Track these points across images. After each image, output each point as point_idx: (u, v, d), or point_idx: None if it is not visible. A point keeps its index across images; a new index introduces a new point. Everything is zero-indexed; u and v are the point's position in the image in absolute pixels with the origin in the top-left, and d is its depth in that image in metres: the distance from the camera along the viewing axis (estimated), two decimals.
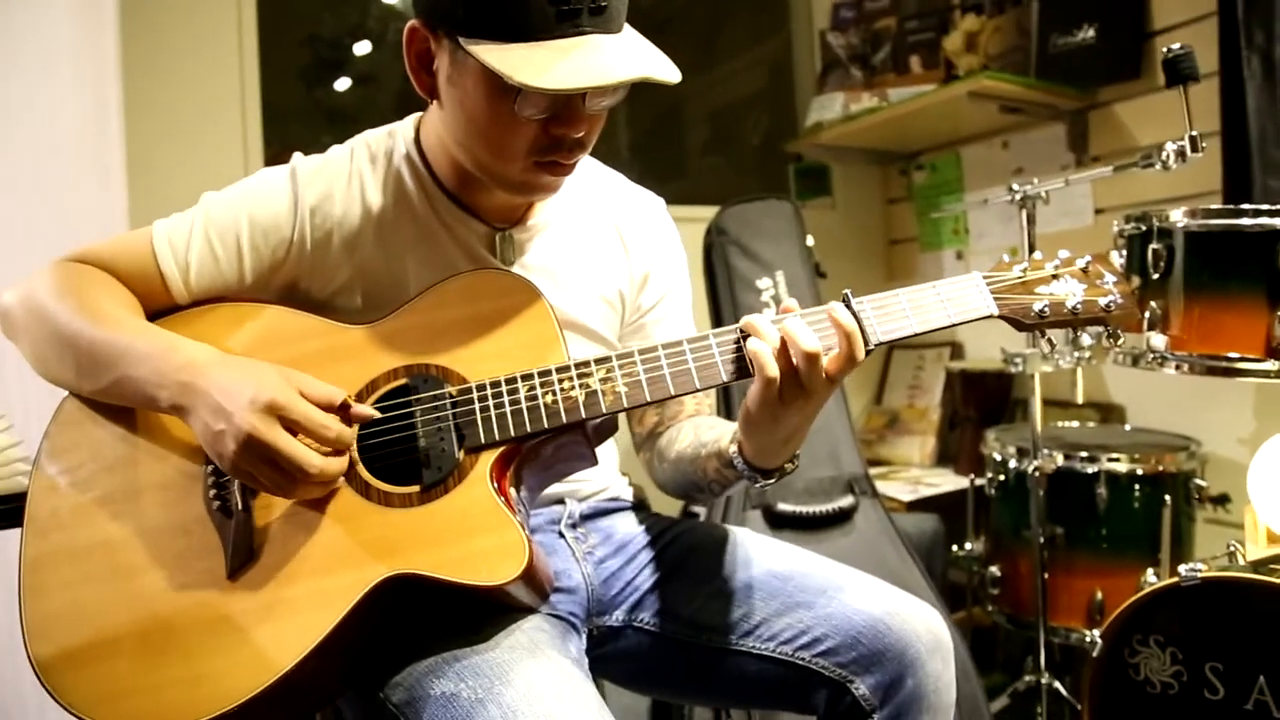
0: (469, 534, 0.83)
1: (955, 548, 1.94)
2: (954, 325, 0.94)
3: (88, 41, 1.68)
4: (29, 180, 1.69)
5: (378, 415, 0.89)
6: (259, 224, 0.98)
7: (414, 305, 0.96)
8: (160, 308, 0.98)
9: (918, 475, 2.41)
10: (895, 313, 0.92)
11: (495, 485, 0.86)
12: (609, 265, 1.12)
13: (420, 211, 1.02)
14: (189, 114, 1.80)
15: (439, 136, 1.00)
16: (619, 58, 0.83)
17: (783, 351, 0.85)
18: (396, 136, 1.05)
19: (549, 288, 1.05)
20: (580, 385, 0.89)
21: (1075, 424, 2.06)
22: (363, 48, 2.45)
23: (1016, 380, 2.20)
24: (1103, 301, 0.95)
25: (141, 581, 0.85)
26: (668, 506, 1.32)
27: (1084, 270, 0.98)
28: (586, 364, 0.90)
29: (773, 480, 0.96)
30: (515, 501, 0.87)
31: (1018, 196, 1.51)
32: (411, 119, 1.06)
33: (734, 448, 0.96)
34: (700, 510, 1.80)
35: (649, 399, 0.89)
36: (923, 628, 0.99)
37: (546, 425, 0.88)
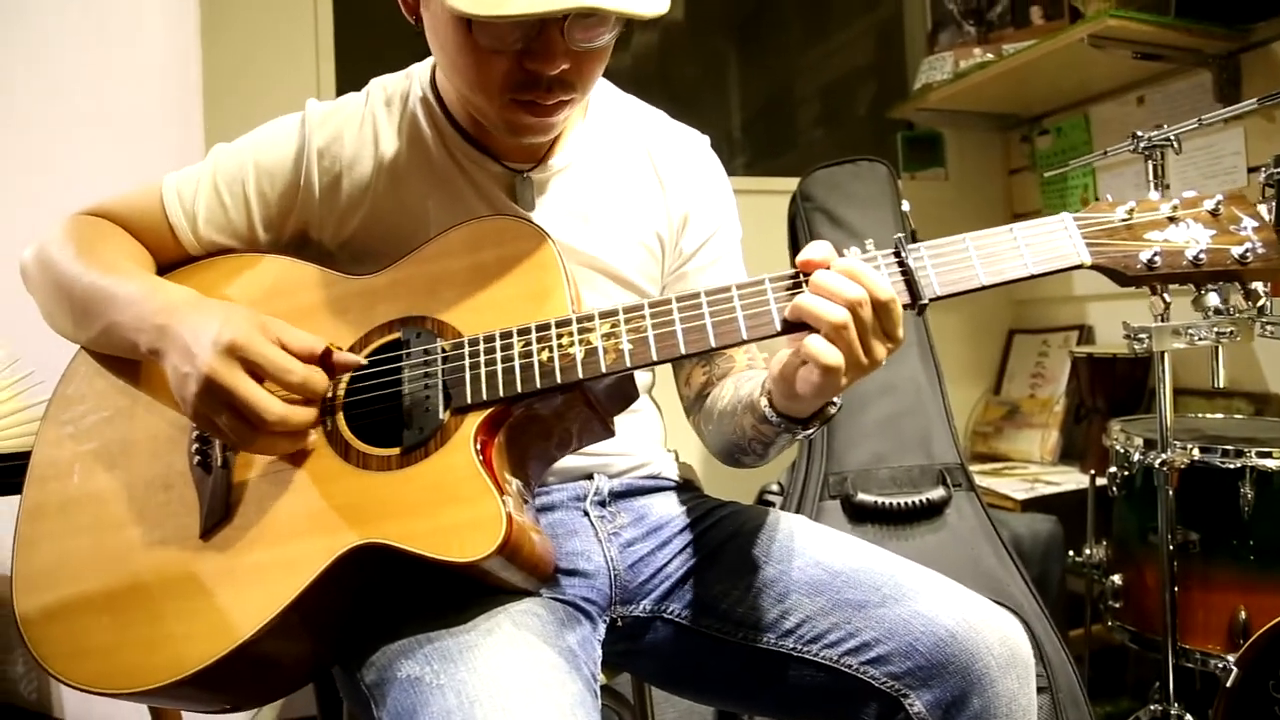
0: (444, 503, 0.74)
1: (1072, 554, 1.72)
2: (1035, 276, 0.78)
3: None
4: (115, 121, 1.78)
5: (363, 362, 0.82)
6: (265, 169, 0.95)
7: (417, 255, 0.89)
8: (172, 259, 0.96)
9: (1036, 472, 2.18)
10: (958, 261, 0.77)
11: (479, 451, 0.76)
12: (645, 206, 1.01)
13: (435, 155, 0.95)
14: (264, 64, 1.83)
15: None
16: None
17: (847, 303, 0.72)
18: (413, 78, 0.99)
19: (578, 232, 0.97)
20: (580, 342, 0.79)
21: (1220, 416, 1.79)
22: None
23: (1152, 366, 1.93)
24: (1236, 251, 0.77)
25: (122, 536, 0.82)
26: (724, 489, 1.20)
27: (1213, 213, 0.80)
28: (590, 318, 0.80)
29: (813, 430, 0.84)
30: (504, 471, 0.78)
31: (1142, 146, 1.30)
32: (431, 60, 1.00)
33: (764, 399, 0.83)
34: (776, 499, 1.66)
35: (655, 359, 0.77)
36: (995, 639, 0.84)
37: (539, 385, 0.78)
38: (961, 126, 2.49)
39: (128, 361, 0.90)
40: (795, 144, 2.80)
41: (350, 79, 1.03)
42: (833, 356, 0.72)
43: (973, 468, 2.26)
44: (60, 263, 0.90)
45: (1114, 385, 2.07)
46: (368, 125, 0.97)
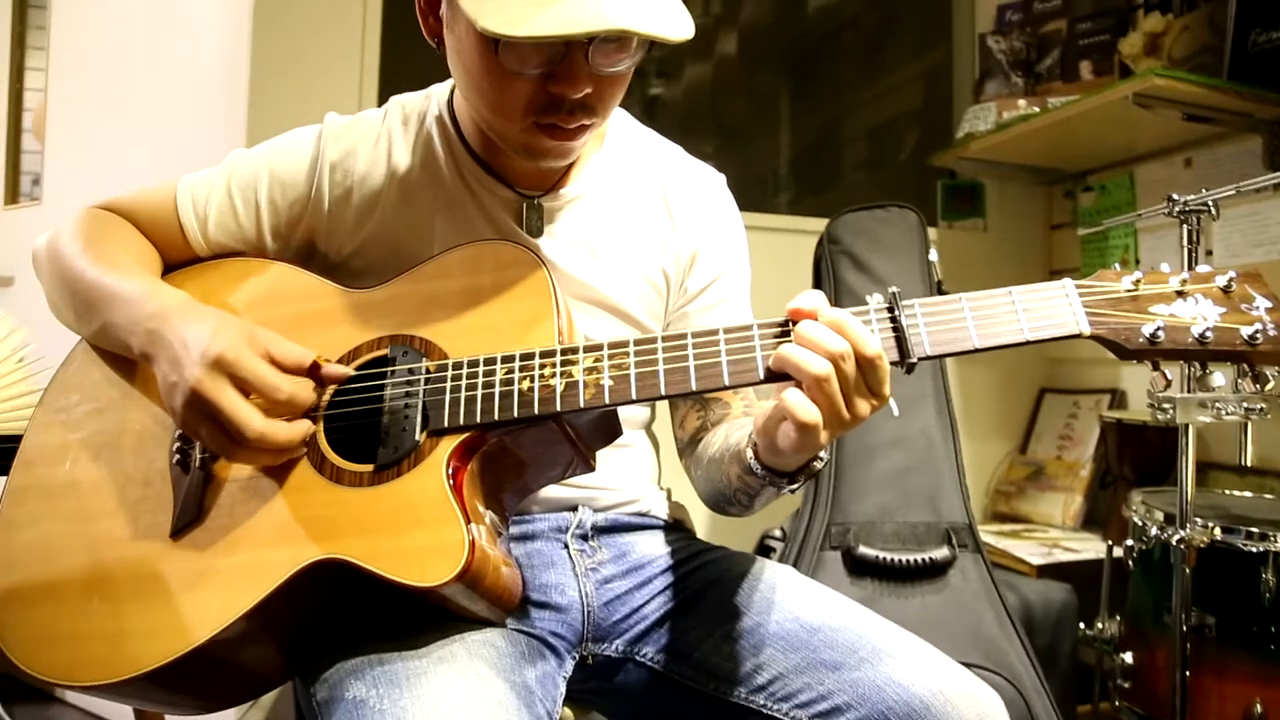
0: (410, 525, 0.74)
1: (1084, 626, 1.66)
2: (1030, 343, 0.76)
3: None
4: (164, 110, 1.84)
5: (350, 373, 0.82)
6: (278, 178, 0.96)
7: (415, 273, 0.90)
8: (180, 259, 0.98)
9: (1056, 537, 2.11)
10: (953, 322, 0.75)
11: (450, 476, 0.76)
12: (653, 241, 1.01)
13: (446, 176, 0.96)
14: (310, 74, 1.86)
15: None
16: (613, 6, 0.72)
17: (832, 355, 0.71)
18: (432, 98, 1.00)
19: (584, 262, 0.96)
20: (562, 374, 0.78)
21: (1250, 495, 1.71)
22: None
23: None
24: (1246, 331, 0.74)
25: (97, 527, 0.83)
26: (724, 532, 1.18)
27: (1225, 290, 0.77)
28: (574, 350, 0.79)
29: (799, 485, 0.82)
30: (475, 500, 0.77)
31: (1177, 209, 1.26)
32: (450, 81, 1.00)
33: (750, 450, 0.81)
34: (777, 544, 1.63)
35: (635, 397, 0.76)
36: (971, 713, 0.80)
37: (516, 414, 0.77)
38: (1003, 178, 2.44)
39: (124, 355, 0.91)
40: (839, 184, 2.79)
41: (393, 95, 1.04)
42: (808, 413, 0.70)
43: (991, 527, 2.21)
44: (67, 255, 0.91)
45: (1143, 453, 1.99)
46: (382, 142, 0.97)
